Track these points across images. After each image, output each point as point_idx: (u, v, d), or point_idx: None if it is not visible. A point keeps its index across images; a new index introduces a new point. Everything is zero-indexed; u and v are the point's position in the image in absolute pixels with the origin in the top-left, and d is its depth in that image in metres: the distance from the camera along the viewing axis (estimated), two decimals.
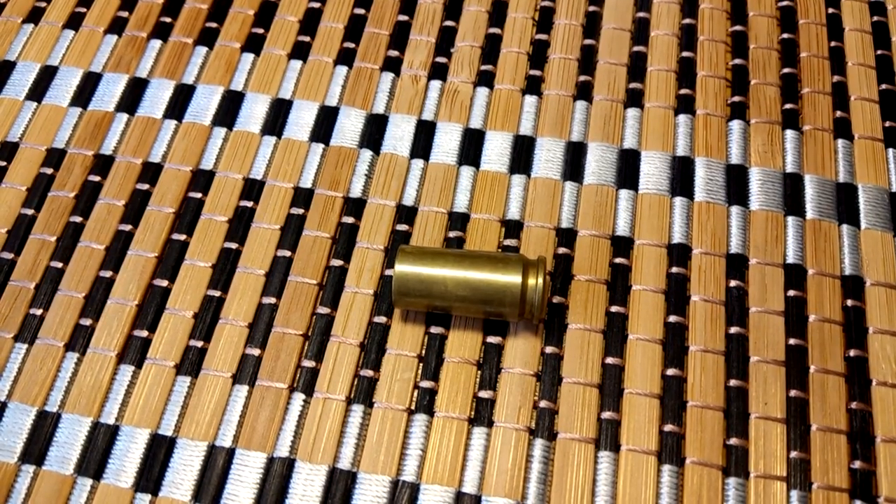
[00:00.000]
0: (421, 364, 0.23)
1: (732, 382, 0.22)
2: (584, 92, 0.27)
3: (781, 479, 0.21)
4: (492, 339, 0.23)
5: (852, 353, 0.23)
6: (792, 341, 0.23)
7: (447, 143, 0.26)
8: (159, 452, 0.21)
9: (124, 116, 0.27)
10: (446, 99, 0.27)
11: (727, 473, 0.21)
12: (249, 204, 0.25)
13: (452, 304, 0.22)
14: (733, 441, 0.22)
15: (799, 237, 0.25)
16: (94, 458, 0.21)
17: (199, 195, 0.25)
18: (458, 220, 0.25)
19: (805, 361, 0.23)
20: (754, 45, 0.28)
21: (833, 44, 0.28)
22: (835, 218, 0.25)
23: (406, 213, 0.25)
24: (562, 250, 0.24)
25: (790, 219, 0.25)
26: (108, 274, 0.24)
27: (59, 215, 0.25)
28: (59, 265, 0.24)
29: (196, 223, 0.25)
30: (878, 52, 0.28)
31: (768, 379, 0.22)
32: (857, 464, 0.21)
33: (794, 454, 0.21)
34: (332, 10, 0.29)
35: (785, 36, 0.29)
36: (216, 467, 0.21)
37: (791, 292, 0.24)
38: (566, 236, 0.25)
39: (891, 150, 0.26)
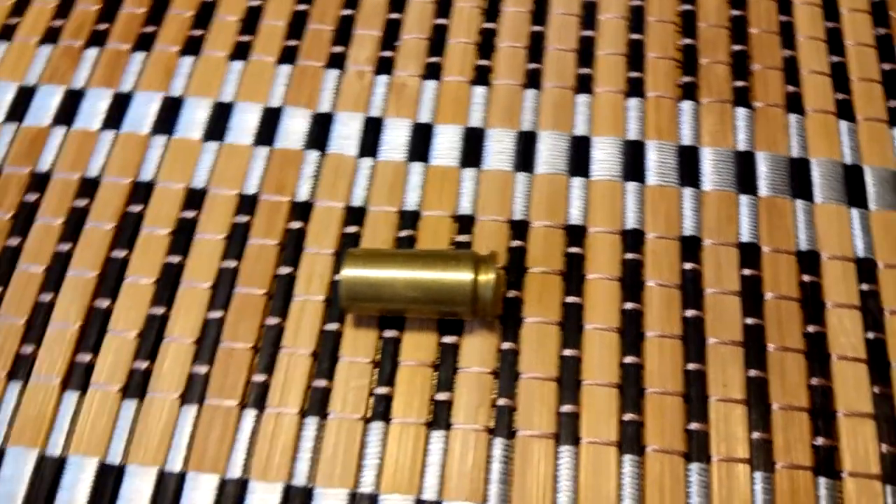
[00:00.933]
0: (376, 369, 0.22)
1: (691, 366, 0.22)
2: (533, 80, 0.27)
3: (744, 461, 0.21)
4: (447, 339, 0.23)
5: (811, 328, 0.23)
6: (749, 321, 0.23)
7: (395, 139, 0.26)
8: (108, 481, 0.21)
9: (61, 130, 0.26)
10: (393, 94, 0.27)
11: (689, 459, 0.21)
12: (192, 214, 0.25)
13: (404, 306, 0.22)
14: (694, 426, 0.21)
15: (753, 215, 0.24)
16: (42, 492, 0.21)
17: (139, 208, 0.25)
18: (409, 219, 0.24)
19: (763, 340, 0.23)
20: (704, 23, 0.28)
21: (783, 18, 0.28)
22: (788, 194, 0.25)
23: (355, 215, 0.25)
24: (515, 243, 0.24)
25: (743, 197, 0.25)
26: (48, 297, 0.23)
27: None
28: None
29: (136, 238, 0.24)
30: (829, 24, 0.28)
31: (727, 360, 0.22)
32: (820, 440, 0.21)
33: (755, 435, 0.21)
34: (272, 8, 0.29)
35: (734, 13, 0.28)
36: (168, 493, 0.21)
37: (746, 271, 0.23)
38: (519, 228, 0.24)
39: (843, 123, 0.26)
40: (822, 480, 0.21)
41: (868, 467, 0.21)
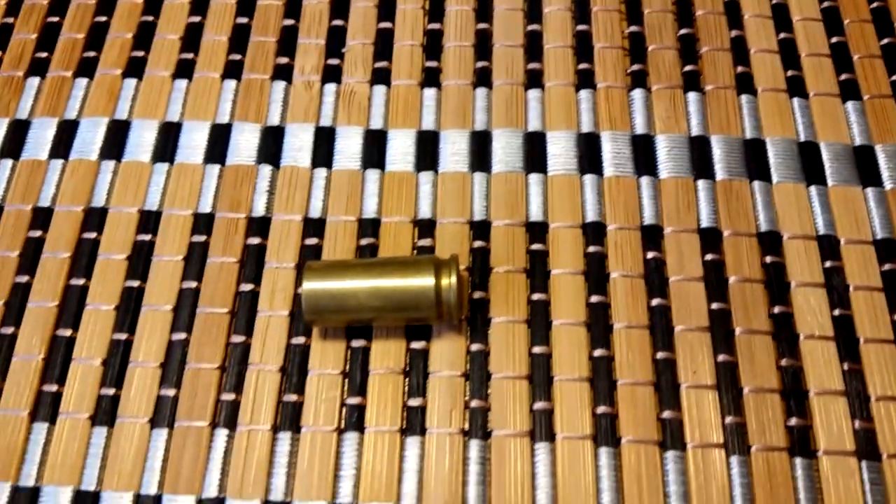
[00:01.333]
0: (346, 380, 0.22)
1: (660, 355, 0.22)
2: (483, 78, 0.27)
3: (719, 446, 0.21)
4: (416, 345, 0.22)
5: (776, 309, 0.23)
6: (714, 306, 0.23)
7: (349, 147, 0.26)
8: None
9: (9, 162, 0.26)
10: (343, 102, 0.27)
11: (664, 447, 0.21)
12: (148, 237, 0.24)
13: (369, 315, 0.21)
14: (667, 414, 0.21)
15: (711, 200, 0.24)
16: None
17: (93, 235, 0.24)
18: (369, 227, 0.24)
19: (730, 324, 0.23)
20: (648, 9, 0.28)
21: None
22: (745, 176, 0.25)
23: (314, 226, 0.24)
24: (477, 244, 0.24)
25: (700, 182, 0.25)
26: (9, 330, 0.23)
27: None
28: None
29: (94, 265, 0.24)
30: (774, 0, 0.28)
31: (695, 347, 0.22)
32: (794, 421, 0.21)
33: (728, 419, 0.21)
34: (213, 23, 0.28)
35: None
36: None
37: (709, 256, 0.24)
38: (480, 229, 0.24)
39: (795, 100, 0.26)
40: (798, 460, 0.21)
41: (842, 444, 0.21)
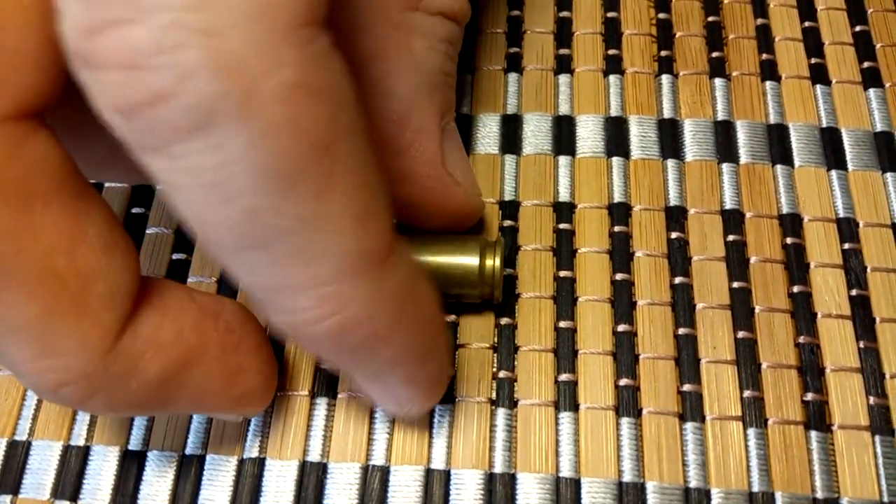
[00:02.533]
0: None
1: (681, 331, 0.23)
2: (514, 63, 0.28)
3: (737, 418, 0.22)
4: (447, 318, 0.23)
5: (796, 289, 0.23)
6: (735, 284, 0.24)
7: None
8: (132, 467, 0.22)
9: None
10: None
11: (684, 419, 0.22)
12: None
13: None
14: (687, 387, 0.22)
15: (734, 183, 0.25)
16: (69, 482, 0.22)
17: None
18: None
19: (750, 302, 0.23)
20: None
21: None
22: (768, 160, 0.26)
23: None
24: (507, 223, 0.25)
25: (724, 166, 0.25)
26: None
27: None
28: None
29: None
30: None
31: (715, 323, 0.23)
32: (810, 396, 0.22)
33: (747, 393, 0.22)
34: None
35: None
36: (190, 476, 0.22)
37: (731, 237, 0.24)
38: (509, 208, 0.25)
39: (818, 87, 0.27)
40: (814, 434, 0.22)
41: (857, 419, 0.22)
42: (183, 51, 0.12)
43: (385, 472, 0.21)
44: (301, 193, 0.13)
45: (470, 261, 0.22)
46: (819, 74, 0.27)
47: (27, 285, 0.14)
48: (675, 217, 0.25)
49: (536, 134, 0.26)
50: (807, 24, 0.28)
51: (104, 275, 0.15)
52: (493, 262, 0.22)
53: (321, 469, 0.22)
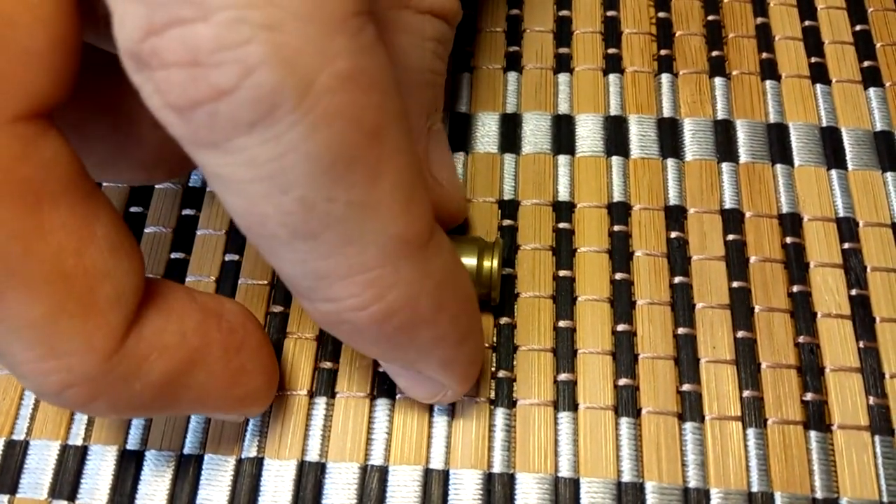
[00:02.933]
0: None
1: (681, 331, 0.23)
2: (513, 62, 0.28)
3: (736, 418, 0.22)
4: None
5: (795, 288, 0.23)
6: (735, 284, 0.24)
7: None
8: (130, 467, 0.22)
9: None
10: None
11: (683, 419, 0.22)
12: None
13: None
14: (686, 387, 0.22)
15: (734, 182, 0.25)
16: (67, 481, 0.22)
17: None
18: None
19: (749, 302, 0.23)
20: None
21: None
22: (768, 159, 0.26)
23: None
24: (506, 222, 0.25)
25: (724, 165, 0.25)
26: None
27: None
28: None
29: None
30: None
31: (715, 323, 0.23)
32: (810, 396, 0.22)
33: (746, 393, 0.22)
34: None
35: None
36: (188, 475, 0.22)
37: (730, 237, 0.24)
38: (509, 207, 0.25)
39: (818, 86, 0.27)
40: (813, 434, 0.22)
41: (857, 419, 0.22)
42: (246, 46, 0.12)
43: (384, 471, 0.21)
44: (354, 180, 0.13)
45: (468, 262, 0.22)
46: (819, 73, 0.27)
47: (34, 286, 0.14)
48: (675, 216, 0.25)
49: (536, 133, 0.26)
50: (807, 23, 0.28)
51: (111, 276, 0.15)
52: (491, 263, 0.22)
53: (319, 469, 0.22)
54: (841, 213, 0.25)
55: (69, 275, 0.14)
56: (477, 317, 0.19)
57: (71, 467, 0.22)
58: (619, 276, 0.24)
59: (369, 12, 0.14)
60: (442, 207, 0.22)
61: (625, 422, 0.22)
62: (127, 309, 0.15)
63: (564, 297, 0.24)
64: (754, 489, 0.21)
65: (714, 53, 0.27)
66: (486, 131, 0.26)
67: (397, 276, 0.15)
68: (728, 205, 0.25)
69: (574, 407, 0.22)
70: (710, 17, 0.28)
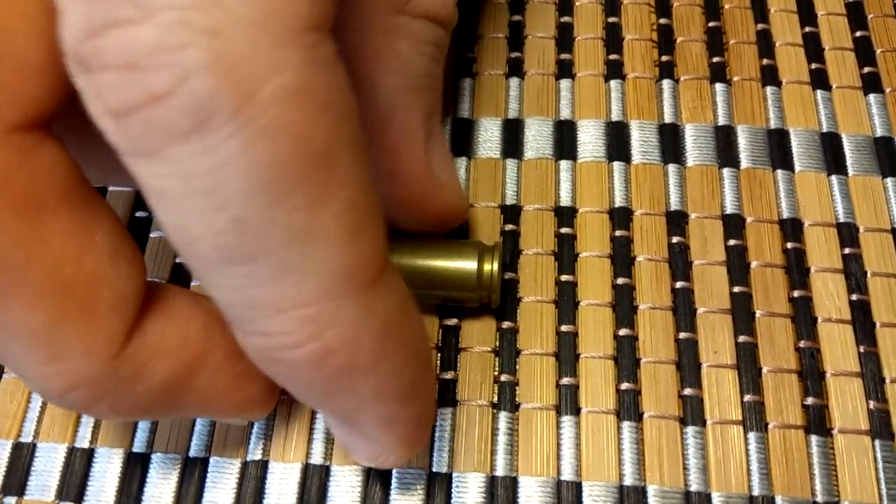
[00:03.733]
0: None
1: (682, 335, 0.23)
2: (515, 68, 0.28)
3: (737, 422, 0.22)
4: (448, 322, 0.24)
5: (796, 293, 0.24)
6: (736, 289, 0.24)
7: None
8: (136, 469, 0.22)
9: None
10: None
11: (685, 423, 0.22)
12: None
13: (413, 292, 0.22)
14: (688, 391, 0.22)
15: (735, 187, 0.25)
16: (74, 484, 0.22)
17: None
18: None
19: (750, 307, 0.23)
20: (677, 2, 0.29)
21: None
22: (769, 164, 0.26)
23: None
24: (508, 227, 0.25)
25: (725, 170, 0.26)
26: None
27: None
28: None
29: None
30: None
31: (716, 328, 0.23)
32: (810, 400, 0.22)
33: (747, 398, 0.22)
34: None
35: None
36: (193, 477, 0.22)
37: (731, 242, 0.24)
38: (511, 213, 0.25)
39: (819, 92, 0.27)
40: (814, 438, 0.22)
41: (857, 424, 0.22)
42: (185, 50, 0.12)
43: (387, 475, 0.22)
44: (295, 204, 0.13)
45: (468, 265, 0.22)
46: (819, 79, 0.27)
47: (36, 293, 0.14)
48: (676, 221, 0.25)
49: (538, 138, 0.26)
50: (807, 29, 0.28)
51: (111, 282, 0.15)
52: (492, 266, 0.22)
53: (324, 472, 0.22)
54: (841, 219, 0.25)
55: (69, 282, 0.14)
56: (429, 375, 0.18)
57: (78, 469, 0.22)
58: (620, 280, 0.24)
59: (329, 30, 0.13)
60: (443, 209, 0.22)
61: (627, 426, 0.22)
62: (127, 314, 0.15)
63: (566, 302, 0.24)
64: (755, 493, 0.21)
65: (715, 59, 0.28)
66: (489, 136, 0.26)
67: (338, 314, 0.14)
68: (729, 210, 0.25)
69: (576, 411, 0.22)
70: (711, 24, 0.28)
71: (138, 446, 0.22)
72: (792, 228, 0.25)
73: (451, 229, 0.23)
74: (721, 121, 0.26)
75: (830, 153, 0.26)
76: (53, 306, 0.14)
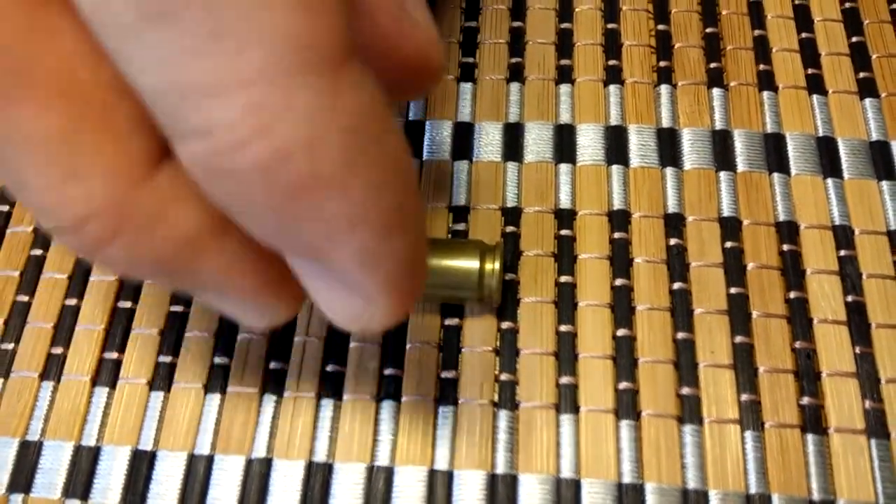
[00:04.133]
0: (384, 353, 0.23)
1: (680, 335, 0.23)
2: (516, 73, 0.28)
3: (734, 421, 0.22)
4: (450, 322, 0.24)
5: (792, 295, 0.24)
6: (733, 290, 0.24)
7: None
8: (142, 467, 0.22)
9: None
10: None
11: (682, 422, 0.22)
12: None
13: None
14: (685, 391, 0.23)
15: (732, 191, 0.26)
16: (80, 481, 0.22)
17: None
18: None
19: (747, 308, 0.24)
20: (675, 8, 0.29)
21: None
22: (765, 168, 0.26)
23: None
24: (509, 229, 0.25)
25: (722, 174, 0.26)
26: (73, 302, 0.25)
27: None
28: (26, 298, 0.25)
29: None
30: (796, 1, 0.29)
31: (713, 328, 0.23)
32: (806, 400, 0.22)
33: (744, 397, 0.23)
34: None
35: None
36: (198, 475, 0.22)
37: (728, 244, 0.25)
38: (511, 215, 0.25)
39: (815, 97, 0.27)
40: (810, 437, 0.22)
41: (853, 423, 0.22)
42: None
43: (389, 472, 0.22)
44: None
45: (470, 264, 0.22)
46: (816, 85, 0.28)
47: (48, 94, 0.12)
48: (674, 224, 0.25)
49: (538, 142, 0.27)
50: (804, 35, 0.29)
51: (133, 96, 0.12)
52: (493, 265, 0.22)
53: (327, 469, 0.22)
54: (837, 222, 0.25)
55: (84, 84, 0.12)
56: (415, 205, 0.14)
57: (84, 467, 0.22)
58: (619, 282, 0.24)
59: None
60: (417, 53, 0.17)
61: (625, 424, 0.22)
62: (153, 137, 0.13)
63: (566, 303, 0.24)
64: (752, 491, 0.21)
65: (712, 65, 0.28)
66: (490, 140, 0.27)
67: (291, 101, 0.11)
68: (726, 213, 0.25)
69: (576, 409, 0.23)
70: (709, 30, 0.29)
71: (144, 444, 0.23)
72: (788, 231, 0.25)
73: (425, 84, 0.18)
74: (718, 125, 0.27)
75: (826, 157, 0.26)
76: (69, 110, 0.12)
